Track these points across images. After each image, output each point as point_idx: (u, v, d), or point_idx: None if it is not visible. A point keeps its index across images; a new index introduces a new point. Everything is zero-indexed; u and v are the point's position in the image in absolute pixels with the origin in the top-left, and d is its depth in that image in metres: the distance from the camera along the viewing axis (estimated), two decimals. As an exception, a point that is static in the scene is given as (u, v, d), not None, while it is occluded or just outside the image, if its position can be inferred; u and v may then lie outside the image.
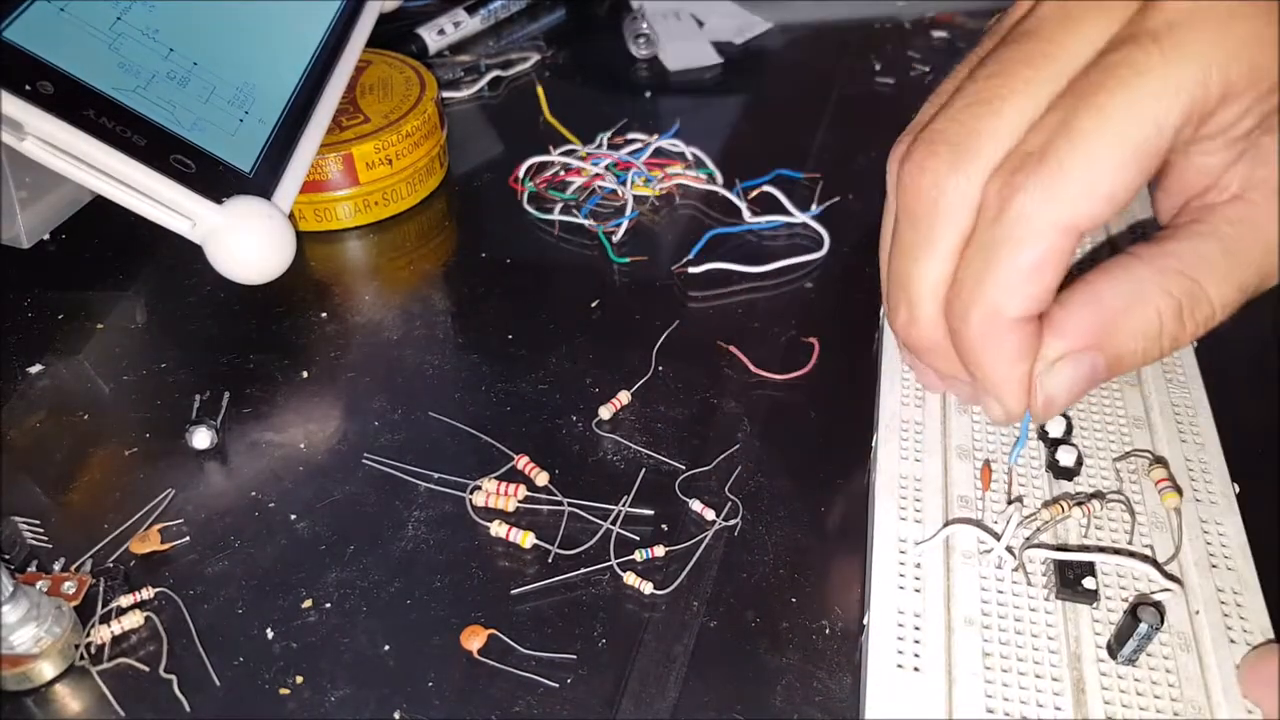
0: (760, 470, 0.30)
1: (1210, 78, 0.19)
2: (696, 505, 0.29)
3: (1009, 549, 0.25)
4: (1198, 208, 0.23)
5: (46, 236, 0.40)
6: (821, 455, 0.31)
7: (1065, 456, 0.27)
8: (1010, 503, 0.26)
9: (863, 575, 0.27)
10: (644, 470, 0.30)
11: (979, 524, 0.26)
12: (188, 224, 0.34)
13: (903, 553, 0.25)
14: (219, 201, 0.34)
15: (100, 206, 0.39)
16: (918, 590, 0.24)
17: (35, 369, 0.34)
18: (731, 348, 0.34)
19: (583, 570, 0.27)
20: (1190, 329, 0.22)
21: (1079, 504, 0.26)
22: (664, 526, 0.29)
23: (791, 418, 0.32)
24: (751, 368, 0.34)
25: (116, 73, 0.34)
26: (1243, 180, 0.22)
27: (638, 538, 0.28)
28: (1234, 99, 0.20)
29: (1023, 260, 0.21)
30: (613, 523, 0.29)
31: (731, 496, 0.29)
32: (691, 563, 0.28)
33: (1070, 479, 0.27)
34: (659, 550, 0.28)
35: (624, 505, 0.29)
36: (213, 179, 0.34)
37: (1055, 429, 0.28)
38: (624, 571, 0.27)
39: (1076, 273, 0.22)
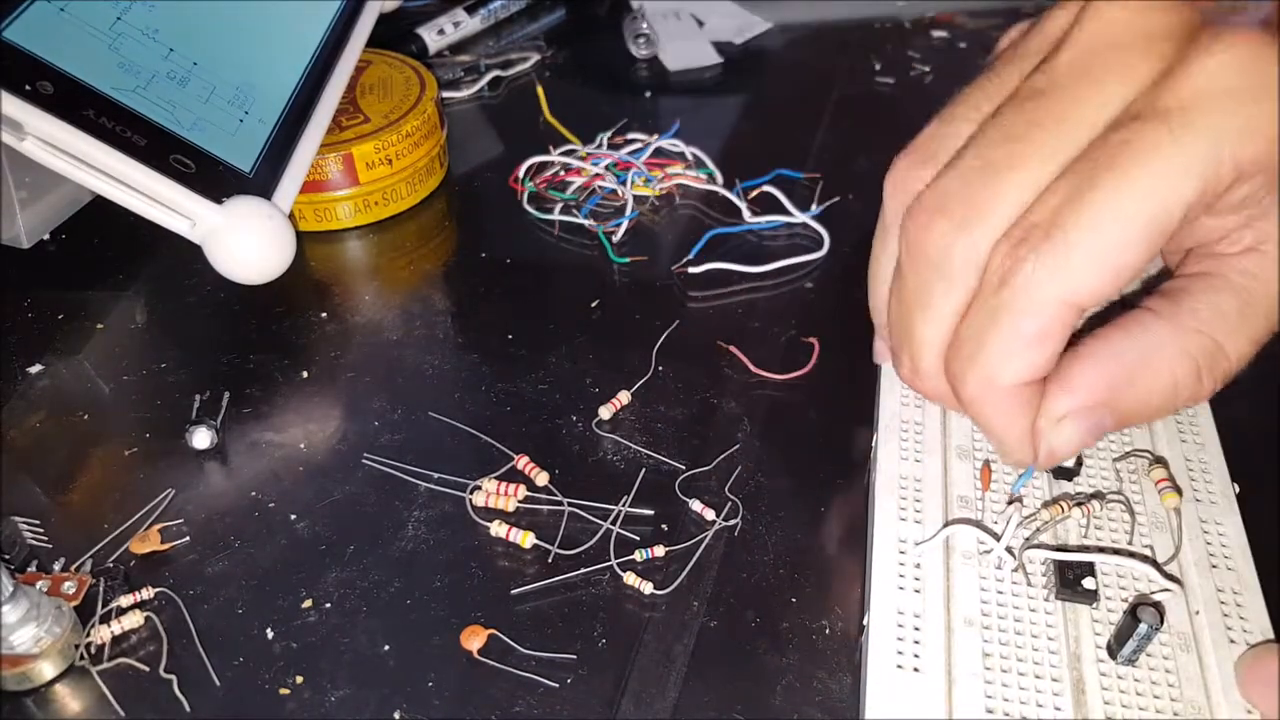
0: (760, 470, 0.30)
1: (1223, 159, 0.19)
2: (696, 505, 0.29)
3: (1009, 549, 0.25)
4: (1207, 256, 0.22)
5: (46, 236, 0.40)
6: (821, 455, 0.31)
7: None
8: (1010, 503, 0.26)
9: (863, 575, 0.27)
10: (644, 470, 0.30)
11: (979, 524, 0.26)
12: (188, 224, 0.34)
13: (903, 553, 0.25)
14: (219, 201, 0.34)
15: (100, 206, 0.39)
16: (918, 590, 0.24)
17: (35, 369, 0.34)
18: (731, 348, 0.34)
19: (583, 570, 0.27)
20: (1209, 386, 0.22)
21: (1079, 504, 0.26)
22: (664, 526, 0.29)
23: (791, 418, 0.32)
24: (751, 368, 0.34)
25: (116, 73, 0.34)
26: (1256, 234, 0.21)
27: (638, 538, 0.28)
28: (1246, 179, 0.19)
29: (1023, 331, 0.20)
30: (613, 523, 0.29)
31: (731, 496, 0.29)
32: (691, 563, 0.28)
33: (1070, 479, 0.27)
34: (659, 550, 0.28)
35: (624, 505, 0.29)
36: (213, 179, 0.34)
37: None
38: (624, 571, 0.27)
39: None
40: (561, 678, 0.25)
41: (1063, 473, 0.27)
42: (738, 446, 0.31)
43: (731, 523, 0.29)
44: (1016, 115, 0.22)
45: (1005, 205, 0.21)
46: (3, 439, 0.31)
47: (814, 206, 0.41)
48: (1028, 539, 0.25)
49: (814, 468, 0.30)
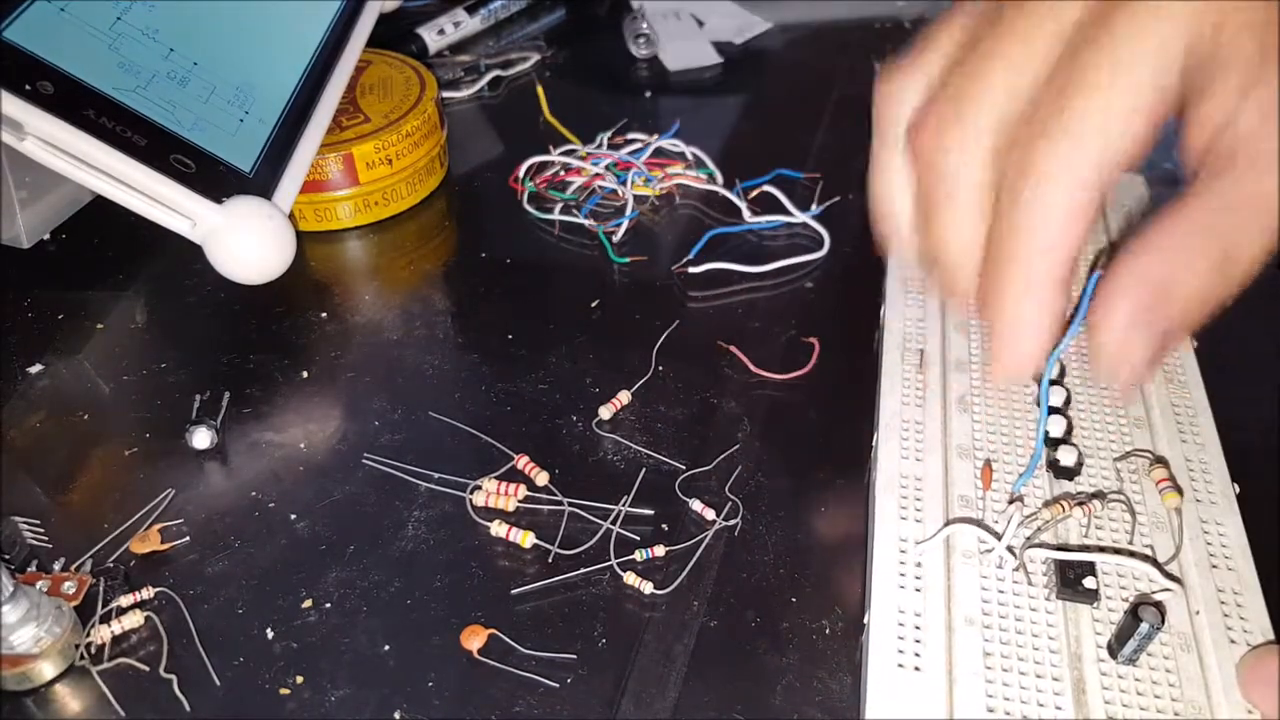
0: (760, 470, 0.30)
1: (1203, 20, 0.20)
2: (696, 505, 0.29)
3: (1010, 548, 0.25)
4: (1216, 153, 0.22)
5: (46, 236, 0.40)
6: (821, 455, 0.31)
7: (1066, 456, 0.27)
8: (1011, 502, 0.26)
9: (863, 575, 0.27)
10: (644, 470, 0.30)
11: (979, 523, 0.26)
12: (188, 224, 0.34)
13: (903, 552, 0.25)
14: (219, 201, 0.34)
15: (100, 206, 0.39)
16: (918, 590, 0.24)
17: (35, 369, 0.34)
18: (731, 348, 0.34)
19: (583, 570, 0.27)
20: (1244, 268, 0.21)
21: (1080, 504, 0.26)
22: (664, 526, 0.29)
23: (791, 418, 0.32)
24: (751, 368, 0.34)
25: (116, 73, 0.34)
26: (1258, 105, 0.21)
27: (638, 538, 0.28)
28: (1229, 29, 0.20)
29: (1054, 213, 0.21)
30: (613, 523, 0.29)
31: (731, 496, 0.29)
32: (691, 563, 0.28)
33: (1071, 479, 0.27)
34: (659, 550, 0.28)
35: (624, 505, 0.29)
36: (213, 179, 0.34)
37: (1056, 429, 0.28)
38: (624, 571, 0.27)
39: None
40: (561, 678, 0.25)
41: (1063, 472, 0.27)
42: (738, 446, 0.31)
43: (731, 523, 0.29)
44: (1003, 13, 0.22)
45: (1005, 97, 0.22)
46: (3, 439, 0.31)
47: (814, 206, 0.41)
48: (1028, 538, 0.25)
49: (814, 468, 0.30)
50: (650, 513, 0.29)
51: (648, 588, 0.27)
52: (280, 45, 0.40)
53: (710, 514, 0.29)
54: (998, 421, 0.29)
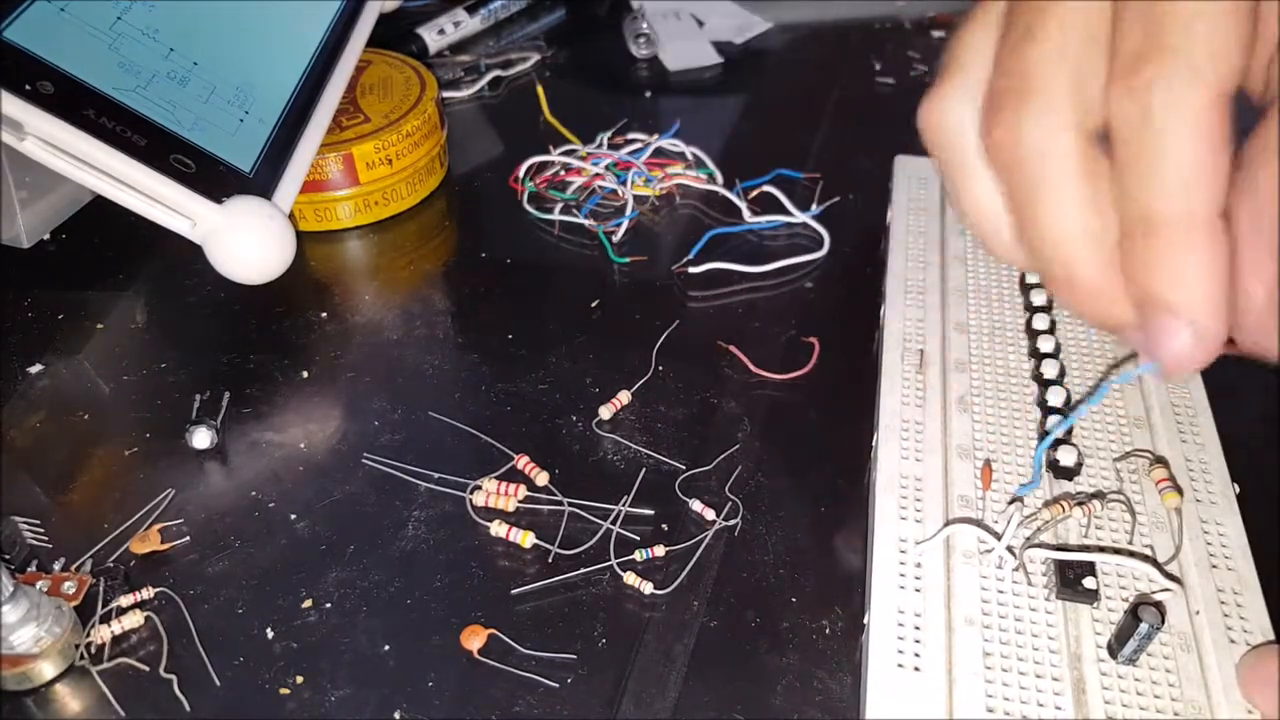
0: (760, 470, 0.30)
1: None
2: (696, 505, 0.29)
3: (1010, 548, 0.25)
4: None
5: (46, 236, 0.40)
6: (821, 455, 0.31)
7: (1066, 456, 0.27)
8: (1011, 502, 0.26)
9: (863, 575, 0.27)
10: (644, 470, 0.30)
11: (979, 524, 0.26)
12: (188, 224, 0.34)
13: (903, 552, 0.25)
14: (219, 201, 0.34)
15: (100, 206, 0.39)
16: (918, 590, 0.24)
17: (35, 369, 0.34)
18: (731, 348, 0.34)
19: (583, 570, 0.27)
20: None
21: (1079, 504, 0.26)
22: (664, 526, 0.29)
23: (791, 418, 0.32)
24: (751, 368, 0.34)
25: (116, 73, 0.34)
26: None
27: (638, 538, 0.28)
28: None
29: (1194, 148, 0.19)
30: (613, 523, 0.29)
31: (731, 496, 0.29)
32: (691, 563, 0.28)
33: (1071, 479, 0.27)
34: (659, 550, 0.28)
35: (624, 505, 0.29)
36: (213, 179, 0.34)
37: (1056, 428, 0.28)
38: (624, 571, 0.27)
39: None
40: (561, 678, 0.25)
41: (1063, 473, 0.27)
42: (738, 446, 0.31)
43: (731, 523, 0.29)
44: None
45: (1050, 63, 0.20)
46: (3, 439, 0.31)
47: (814, 206, 0.41)
48: (1028, 538, 0.25)
49: (814, 468, 0.30)
50: (650, 513, 0.29)
51: (648, 588, 0.27)
52: (280, 45, 0.40)
53: (710, 514, 0.29)
54: (997, 421, 0.29)
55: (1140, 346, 0.24)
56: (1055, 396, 0.29)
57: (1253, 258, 0.20)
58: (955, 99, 0.23)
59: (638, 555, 0.28)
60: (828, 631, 0.26)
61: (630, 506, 0.29)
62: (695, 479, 0.30)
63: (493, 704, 0.24)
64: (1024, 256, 0.23)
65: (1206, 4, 0.19)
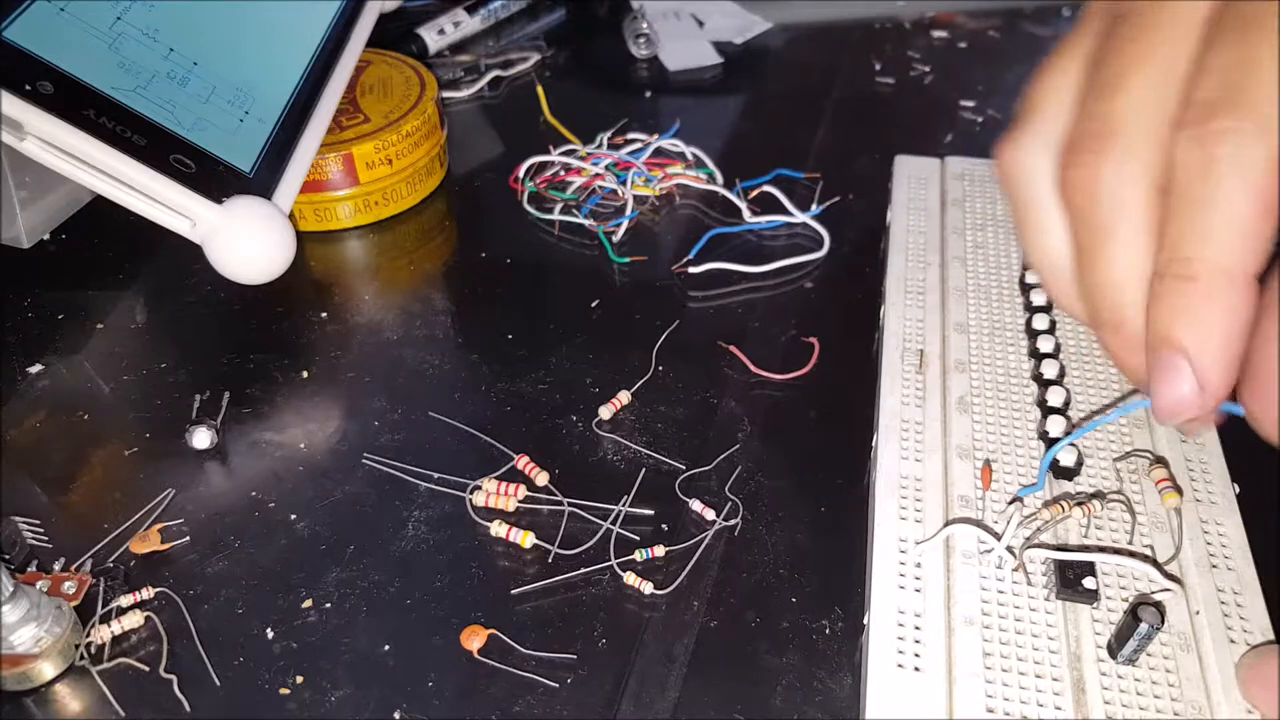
0: (760, 470, 0.30)
1: None
2: (696, 505, 0.29)
3: (1009, 549, 0.25)
4: None
5: (46, 236, 0.40)
6: (821, 455, 0.31)
7: (1065, 456, 0.27)
8: (1010, 502, 0.26)
9: (863, 575, 0.27)
10: (644, 470, 0.30)
11: (979, 524, 0.26)
12: (188, 224, 0.34)
13: (903, 552, 0.25)
14: (219, 201, 0.34)
15: (100, 206, 0.39)
16: (918, 590, 0.24)
17: (35, 369, 0.34)
18: (731, 348, 0.34)
19: (583, 570, 0.27)
20: None
21: (1079, 504, 0.26)
22: (664, 526, 0.29)
23: (791, 418, 0.32)
24: (751, 368, 0.34)
25: (116, 73, 0.34)
26: None
27: (638, 538, 0.28)
28: None
29: (1249, 203, 0.19)
30: (613, 523, 0.29)
31: (731, 496, 0.29)
32: (691, 563, 0.28)
33: (1070, 479, 0.27)
34: (659, 550, 0.28)
35: (624, 505, 0.29)
36: (213, 179, 0.34)
37: (1055, 429, 0.28)
38: (624, 571, 0.27)
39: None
40: (561, 678, 0.25)
41: (1063, 473, 0.27)
42: (738, 446, 0.31)
43: (731, 523, 0.29)
44: (1109, 41, 0.21)
45: (1145, 111, 0.20)
46: (3, 439, 0.31)
47: (814, 206, 0.41)
48: (1028, 538, 0.25)
49: (814, 468, 0.30)
50: (650, 513, 0.29)
51: (648, 588, 0.27)
52: (280, 45, 0.40)
53: (710, 514, 0.29)
54: (997, 421, 0.29)
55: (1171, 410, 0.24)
56: (1055, 396, 0.29)
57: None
58: (1032, 144, 0.23)
59: (638, 555, 0.28)
60: (828, 631, 0.26)
61: (630, 506, 0.29)
62: (695, 479, 0.30)
63: (493, 704, 0.24)
64: (1081, 301, 0.23)
65: None
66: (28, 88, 0.31)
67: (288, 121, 0.38)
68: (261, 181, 0.36)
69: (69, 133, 0.32)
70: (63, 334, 0.36)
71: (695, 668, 0.25)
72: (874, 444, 0.29)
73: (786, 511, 0.29)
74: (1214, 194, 0.19)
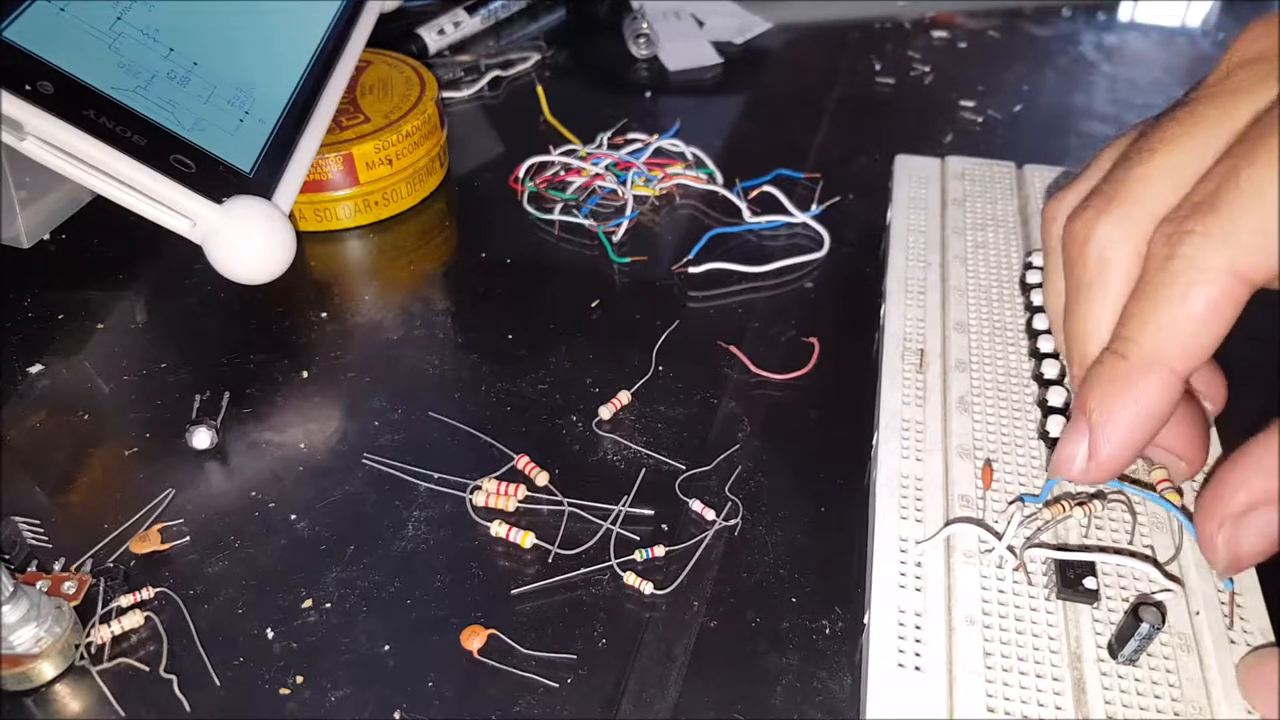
0: (760, 470, 0.30)
1: None
2: (696, 505, 0.29)
3: (1010, 548, 0.25)
4: None
5: (46, 236, 0.40)
6: (821, 455, 0.31)
7: None
8: (1011, 502, 0.26)
9: (863, 575, 0.27)
10: (644, 470, 0.30)
11: (980, 523, 0.26)
12: (187, 224, 0.34)
13: (903, 552, 0.25)
14: (219, 201, 0.34)
15: (100, 206, 0.39)
16: (918, 589, 0.24)
17: (35, 369, 0.34)
18: (731, 348, 0.34)
19: (583, 570, 0.27)
20: None
21: (1080, 504, 0.26)
22: (664, 526, 0.29)
23: (791, 418, 0.32)
24: (751, 368, 0.34)
25: (116, 73, 0.34)
26: None
27: (638, 538, 0.28)
28: None
29: (1192, 305, 0.20)
30: (613, 523, 0.29)
31: (731, 496, 0.29)
32: (691, 563, 0.28)
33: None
34: (659, 550, 0.28)
35: (624, 505, 0.29)
36: (213, 179, 0.34)
37: (1056, 429, 0.28)
38: (624, 571, 0.27)
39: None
40: (561, 678, 0.25)
41: None
42: (738, 446, 0.31)
43: (731, 523, 0.29)
44: (1164, 119, 0.22)
45: (1152, 189, 0.22)
46: (3, 439, 0.31)
47: (814, 206, 0.41)
48: (1029, 538, 0.25)
49: (814, 468, 0.30)
50: (650, 513, 0.29)
51: (648, 588, 0.27)
52: (280, 45, 0.40)
53: (710, 514, 0.29)
54: (998, 421, 0.29)
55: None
56: (1056, 397, 0.29)
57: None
58: (1074, 200, 0.24)
59: (638, 555, 0.28)
60: (828, 631, 0.26)
61: (630, 506, 0.29)
62: (695, 479, 0.30)
63: (493, 704, 0.24)
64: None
65: (1268, 192, 0.19)
66: (28, 88, 0.31)
67: (288, 121, 0.38)
68: (261, 181, 0.36)
69: (69, 133, 0.32)
70: (63, 334, 0.36)
71: (695, 668, 0.25)
72: (874, 443, 0.29)
73: (786, 511, 0.29)
74: (1166, 288, 0.21)
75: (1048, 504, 0.26)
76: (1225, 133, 0.21)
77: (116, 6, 0.36)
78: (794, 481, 0.30)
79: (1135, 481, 0.26)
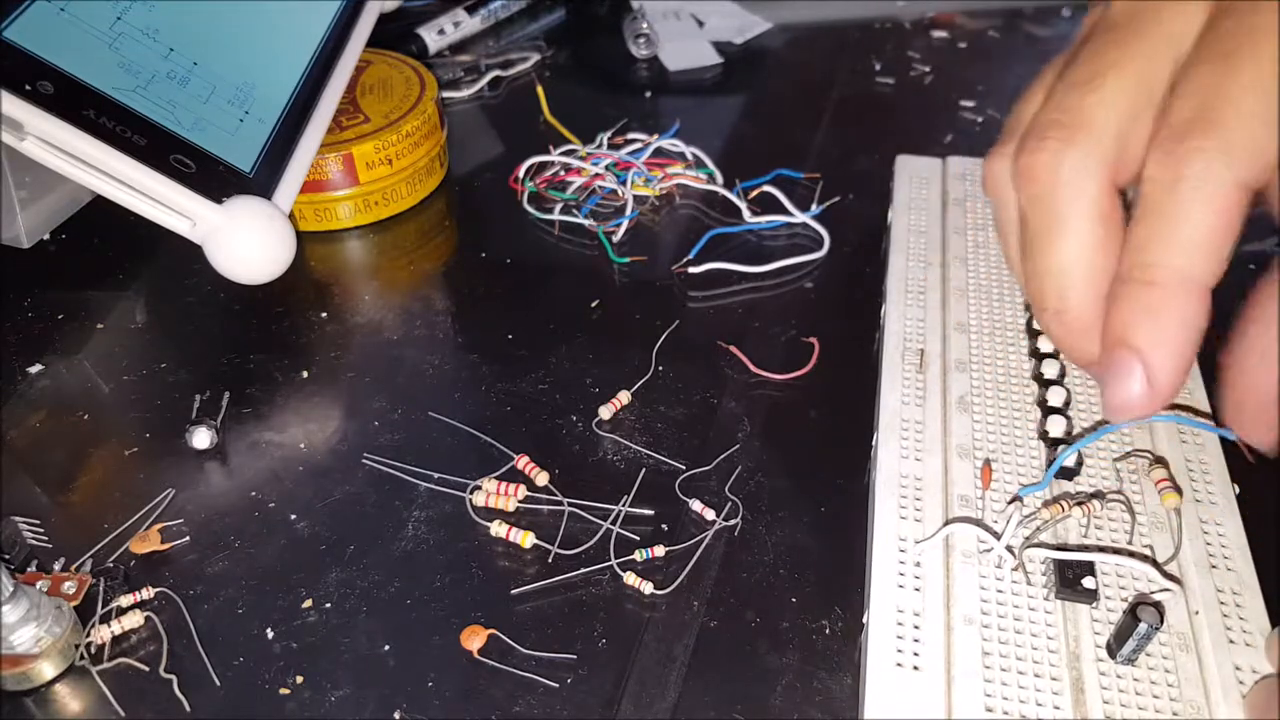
0: (760, 470, 0.30)
1: None
2: (696, 505, 0.29)
3: (1009, 548, 0.25)
4: None
5: (46, 236, 0.40)
6: (821, 455, 0.31)
7: (1066, 456, 0.27)
8: (1010, 502, 0.26)
9: (863, 575, 0.27)
10: (644, 470, 0.30)
11: (979, 523, 0.26)
12: (187, 224, 0.34)
13: (903, 551, 0.25)
14: (219, 201, 0.34)
15: (100, 206, 0.39)
16: (917, 589, 0.24)
17: (35, 369, 0.34)
18: (731, 348, 0.34)
19: (583, 570, 0.27)
20: None
21: (1079, 504, 0.26)
22: (664, 526, 0.29)
23: (791, 418, 0.32)
24: (751, 368, 0.34)
25: (116, 73, 0.34)
26: None
27: (638, 538, 0.28)
28: None
29: (1211, 221, 0.20)
30: (613, 523, 0.29)
31: (731, 496, 0.29)
32: (691, 563, 0.28)
33: (1070, 479, 0.27)
34: (659, 550, 0.28)
35: (624, 505, 0.29)
36: (213, 179, 0.34)
37: (1056, 429, 0.28)
38: (624, 571, 0.27)
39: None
40: (561, 678, 0.25)
41: (1063, 472, 0.27)
42: (738, 446, 0.31)
43: (731, 523, 0.29)
44: (1088, 47, 0.22)
45: (1113, 114, 0.21)
46: (3, 439, 0.32)
47: (814, 206, 0.41)
48: (1028, 538, 0.25)
49: (814, 468, 0.30)
50: (650, 513, 0.29)
51: (648, 588, 0.27)
52: (280, 45, 0.40)
53: (710, 514, 0.29)
54: (997, 421, 0.29)
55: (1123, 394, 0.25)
56: (1055, 397, 0.29)
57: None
58: (1005, 157, 0.24)
59: (638, 555, 0.28)
60: (828, 631, 0.26)
61: (630, 506, 0.29)
62: (695, 479, 0.30)
63: (493, 704, 0.24)
64: (1027, 286, 0.24)
65: (1260, 99, 0.20)
66: (28, 88, 0.31)
67: (288, 121, 0.38)
68: (261, 181, 0.36)
69: (69, 133, 0.32)
70: (63, 334, 0.36)
71: (695, 668, 0.25)
72: (874, 443, 0.29)
73: (786, 511, 0.29)
74: (1181, 208, 0.20)
75: (1046, 504, 0.26)
76: (1170, 51, 0.21)
77: (116, 6, 0.36)
78: (794, 481, 0.30)
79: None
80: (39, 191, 0.39)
